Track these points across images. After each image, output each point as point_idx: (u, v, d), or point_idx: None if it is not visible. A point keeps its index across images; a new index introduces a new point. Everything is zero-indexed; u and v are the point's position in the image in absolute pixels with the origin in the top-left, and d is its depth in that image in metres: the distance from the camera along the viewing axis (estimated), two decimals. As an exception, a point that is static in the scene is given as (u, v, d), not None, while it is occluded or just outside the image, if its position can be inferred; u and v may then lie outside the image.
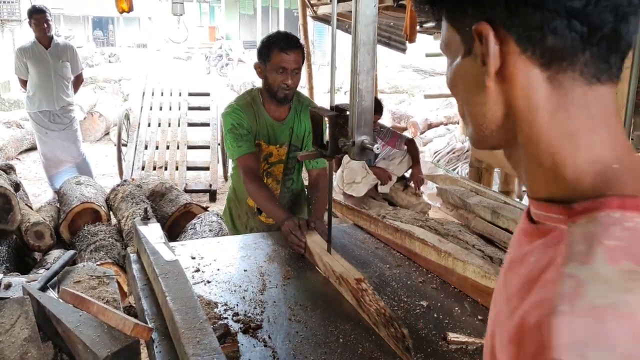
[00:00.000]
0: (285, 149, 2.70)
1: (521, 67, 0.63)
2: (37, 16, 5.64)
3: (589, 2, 0.59)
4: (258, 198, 2.54)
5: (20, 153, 8.19)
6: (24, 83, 5.81)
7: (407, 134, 8.72)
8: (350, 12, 1.66)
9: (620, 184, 0.60)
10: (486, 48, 0.64)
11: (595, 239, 0.56)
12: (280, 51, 2.42)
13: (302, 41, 2.54)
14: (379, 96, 7.77)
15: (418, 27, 6.61)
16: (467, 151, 7.45)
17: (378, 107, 4.90)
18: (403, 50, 8.00)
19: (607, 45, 0.61)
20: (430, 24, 7.57)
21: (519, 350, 0.57)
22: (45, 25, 5.69)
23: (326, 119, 1.86)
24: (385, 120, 9.79)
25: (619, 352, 0.48)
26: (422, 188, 5.26)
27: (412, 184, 5.18)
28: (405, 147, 5.10)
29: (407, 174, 5.28)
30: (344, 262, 1.94)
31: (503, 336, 0.62)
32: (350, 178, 5.01)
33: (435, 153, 8.15)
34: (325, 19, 7.64)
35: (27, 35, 12.48)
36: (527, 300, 0.59)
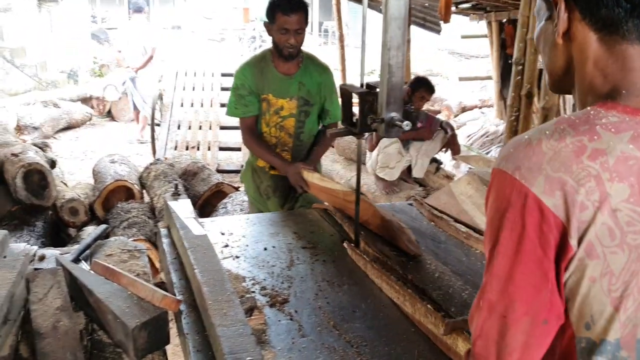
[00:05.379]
0: (295, 102, 2.83)
1: (581, 30, 0.91)
2: None
3: None
4: (258, 151, 2.90)
5: (57, 132, 8.35)
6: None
7: (441, 117, 8.62)
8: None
9: (619, 98, 0.87)
10: (558, 14, 0.92)
11: (568, 115, 0.87)
12: (283, 14, 2.62)
13: (306, 1, 2.72)
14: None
15: (453, 8, 6.50)
16: (501, 135, 7.33)
17: (430, 89, 4.99)
18: (438, 31, 7.88)
19: None
20: (466, 5, 7.45)
21: None
22: None
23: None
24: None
25: (518, 163, 0.83)
26: (454, 171, 5.22)
27: (443, 166, 5.14)
28: (440, 129, 5.08)
29: (438, 157, 5.26)
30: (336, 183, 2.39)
31: None
32: (384, 163, 5.01)
33: (468, 136, 8.04)
34: (358, -1, 7.57)
35: (63, 16, 12.65)
36: None
